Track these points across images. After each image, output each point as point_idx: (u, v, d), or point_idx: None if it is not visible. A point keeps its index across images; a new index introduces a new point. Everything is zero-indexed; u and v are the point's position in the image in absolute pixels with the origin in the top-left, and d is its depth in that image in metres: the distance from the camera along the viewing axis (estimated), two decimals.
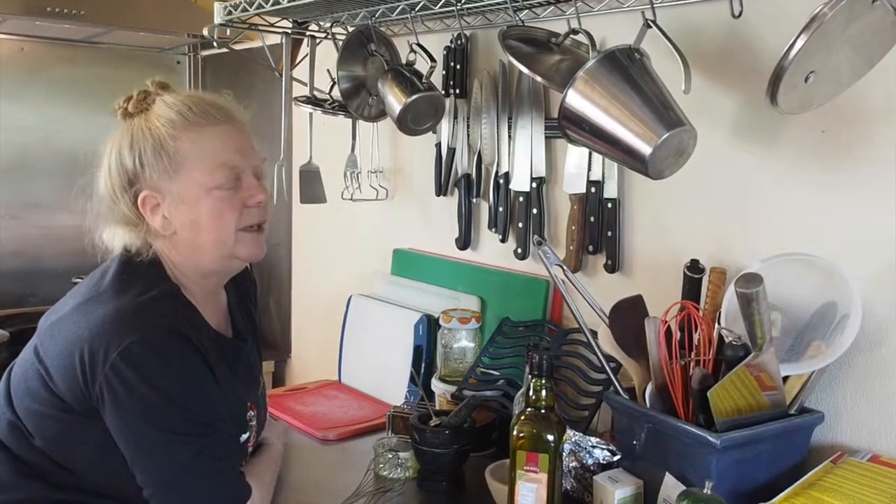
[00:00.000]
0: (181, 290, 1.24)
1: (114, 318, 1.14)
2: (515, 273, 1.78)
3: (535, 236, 1.68)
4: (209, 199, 1.21)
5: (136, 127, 1.22)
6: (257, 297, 1.53)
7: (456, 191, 1.87)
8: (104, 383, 1.11)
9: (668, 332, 1.22)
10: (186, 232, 1.23)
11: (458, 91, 1.83)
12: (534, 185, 1.70)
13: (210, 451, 1.15)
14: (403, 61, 1.75)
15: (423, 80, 1.66)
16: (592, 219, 1.60)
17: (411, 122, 1.67)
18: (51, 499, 1.20)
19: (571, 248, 1.63)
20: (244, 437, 1.30)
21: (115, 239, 1.26)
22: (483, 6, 1.60)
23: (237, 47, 2.07)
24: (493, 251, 1.85)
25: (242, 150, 1.25)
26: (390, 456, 1.46)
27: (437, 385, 1.69)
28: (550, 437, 1.14)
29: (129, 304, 1.16)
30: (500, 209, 1.77)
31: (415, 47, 1.68)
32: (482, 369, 1.66)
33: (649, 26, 1.29)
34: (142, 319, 1.15)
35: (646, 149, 1.20)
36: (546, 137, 1.69)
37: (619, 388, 1.29)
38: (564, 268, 1.38)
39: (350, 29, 1.90)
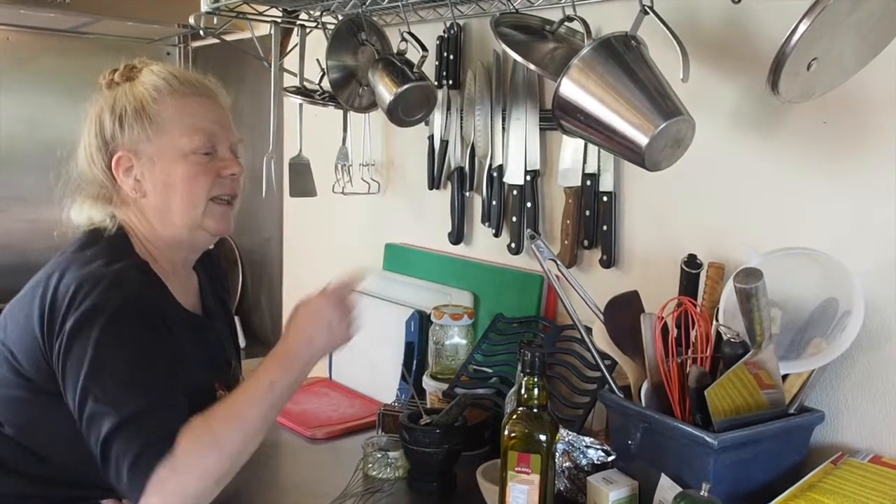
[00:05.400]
0: (149, 265, 1.23)
1: (77, 285, 1.12)
2: (509, 268, 1.75)
3: (529, 231, 1.65)
4: (185, 163, 1.24)
5: (120, 93, 1.26)
6: (227, 279, 1.54)
7: (449, 184, 1.85)
8: (61, 346, 1.09)
9: (665, 329, 1.21)
10: (158, 195, 1.24)
11: (451, 82, 1.80)
12: (528, 178, 1.67)
13: (150, 419, 1.06)
14: (395, 51, 1.72)
15: (415, 70, 1.64)
16: (587, 213, 1.57)
17: (402, 113, 1.65)
18: (23, 494, 1.19)
19: (566, 242, 1.61)
20: None
21: (83, 214, 1.28)
22: None
23: (227, 38, 2.04)
24: (486, 246, 1.82)
25: (222, 122, 1.29)
26: (380, 455, 1.44)
27: (428, 383, 1.66)
28: (543, 437, 1.11)
29: (92, 271, 1.14)
30: (494, 203, 1.74)
31: (406, 36, 1.65)
32: (474, 366, 1.64)
33: (646, 13, 1.27)
34: (105, 286, 1.12)
35: (642, 139, 1.18)
36: (541, 129, 1.66)
37: (613, 386, 1.28)
38: (559, 263, 1.36)
39: (340, 18, 1.87)
